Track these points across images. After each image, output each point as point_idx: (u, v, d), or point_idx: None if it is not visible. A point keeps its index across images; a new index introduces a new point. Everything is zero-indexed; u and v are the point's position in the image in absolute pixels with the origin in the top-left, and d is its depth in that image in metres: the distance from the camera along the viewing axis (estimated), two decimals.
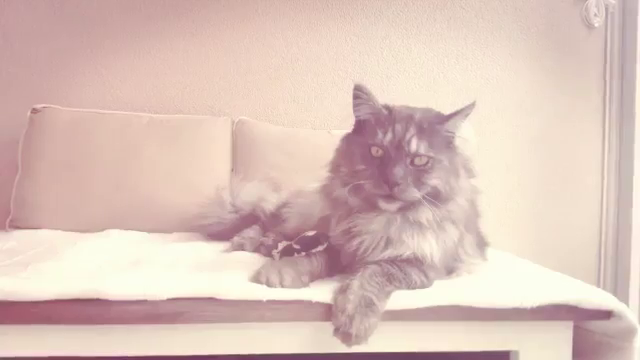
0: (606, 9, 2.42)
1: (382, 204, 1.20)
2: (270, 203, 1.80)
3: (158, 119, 2.11)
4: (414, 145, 1.18)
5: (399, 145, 1.18)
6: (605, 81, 2.43)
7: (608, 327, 1.23)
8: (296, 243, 1.31)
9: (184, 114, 2.22)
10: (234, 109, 2.27)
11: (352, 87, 1.26)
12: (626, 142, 2.40)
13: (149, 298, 1.12)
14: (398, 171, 1.16)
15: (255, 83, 2.30)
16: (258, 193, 1.88)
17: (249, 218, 1.80)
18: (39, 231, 1.87)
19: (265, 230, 1.70)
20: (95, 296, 1.11)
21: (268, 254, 1.48)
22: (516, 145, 2.42)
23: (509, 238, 2.32)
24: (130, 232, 1.86)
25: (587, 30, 2.43)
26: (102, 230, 1.85)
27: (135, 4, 2.26)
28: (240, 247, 1.61)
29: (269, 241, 1.55)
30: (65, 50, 2.23)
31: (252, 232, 1.69)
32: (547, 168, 2.43)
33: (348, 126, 1.32)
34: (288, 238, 1.44)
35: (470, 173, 1.32)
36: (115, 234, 1.82)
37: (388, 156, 1.18)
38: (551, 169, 2.43)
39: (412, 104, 1.31)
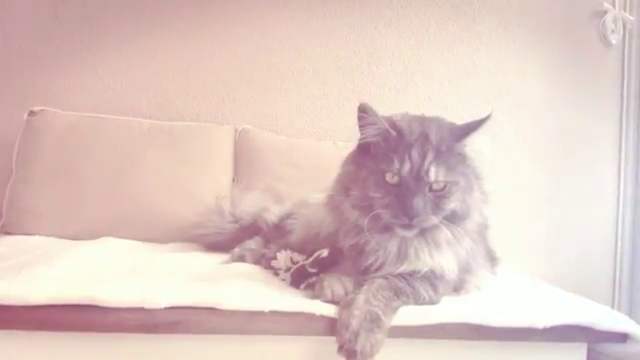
0: (624, 26, 2.39)
1: (400, 232, 1.16)
2: (272, 214, 1.75)
3: (159, 125, 2.06)
4: (433, 174, 1.13)
5: (418, 175, 1.13)
6: (622, 98, 2.42)
7: (623, 349, 1.19)
8: (311, 266, 1.27)
9: (186, 121, 2.17)
10: (237, 117, 2.22)
11: (359, 98, 1.22)
12: None
13: (146, 306, 1.09)
14: (418, 202, 1.11)
15: (259, 91, 2.26)
16: (260, 203, 1.83)
17: (250, 229, 1.75)
18: (32, 237, 1.80)
19: (267, 242, 1.64)
20: (90, 302, 1.07)
21: (269, 266, 1.43)
22: (528, 158, 2.40)
23: (521, 255, 2.26)
24: (126, 241, 1.81)
25: (604, 47, 2.42)
26: (97, 238, 1.79)
27: (137, 6, 2.21)
28: (241, 258, 1.57)
29: (271, 253, 1.50)
30: (64, 52, 2.17)
31: (253, 243, 1.65)
32: (561, 182, 2.41)
33: (354, 137, 1.26)
34: (292, 250, 1.39)
35: (478, 178, 1.25)
36: (111, 242, 1.76)
37: (406, 186, 1.13)
38: (565, 184, 2.41)
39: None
